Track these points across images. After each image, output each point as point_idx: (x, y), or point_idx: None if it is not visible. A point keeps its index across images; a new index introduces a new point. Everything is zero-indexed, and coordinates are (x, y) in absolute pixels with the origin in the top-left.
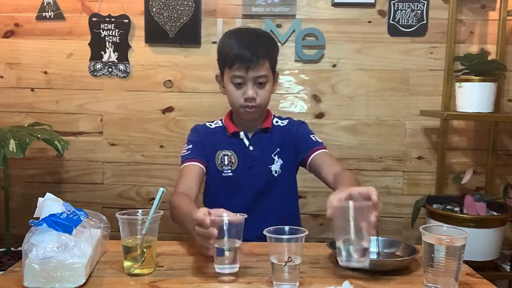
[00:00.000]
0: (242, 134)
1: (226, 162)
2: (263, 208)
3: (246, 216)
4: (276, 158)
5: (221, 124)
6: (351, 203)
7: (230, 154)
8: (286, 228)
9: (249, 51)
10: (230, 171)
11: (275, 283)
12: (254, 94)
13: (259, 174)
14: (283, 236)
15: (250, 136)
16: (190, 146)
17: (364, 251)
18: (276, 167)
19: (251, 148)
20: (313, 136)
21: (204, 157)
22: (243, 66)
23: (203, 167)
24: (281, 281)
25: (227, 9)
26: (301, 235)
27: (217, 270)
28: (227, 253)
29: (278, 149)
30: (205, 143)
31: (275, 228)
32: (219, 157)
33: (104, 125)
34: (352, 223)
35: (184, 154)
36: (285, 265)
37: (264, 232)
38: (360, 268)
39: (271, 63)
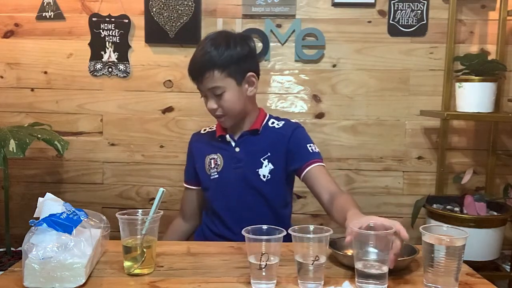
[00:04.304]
0: (228, 136)
1: (212, 165)
2: (251, 212)
3: (285, 232)
4: (265, 162)
5: (214, 129)
6: (372, 233)
7: (216, 157)
8: (311, 227)
9: (194, 65)
10: (216, 173)
11: (300, 282)
12: (213, 105)
13: (245, 176)
14: (309, 235)
15: (236, 138)
16: (186, 164)
17: (382, 276)
18: (264, 171)
19: (237, 149)
20: (310, 146)
21: (194, 177)
22: (194, 80)
23: (195, 188)
24: (307, 280)
25: (227, 9)
26: (326, 234)
27: (253, 286)
28: (263, 269)
29: (268, 154)
30: (193, 152)
31: (299, 227)
32: (207, 161)
33: (104, 125)
34: (371, 250)
35: (184, 171)
36: (312, 264)
37: (290, 231)
38: None
39: (226, 71)
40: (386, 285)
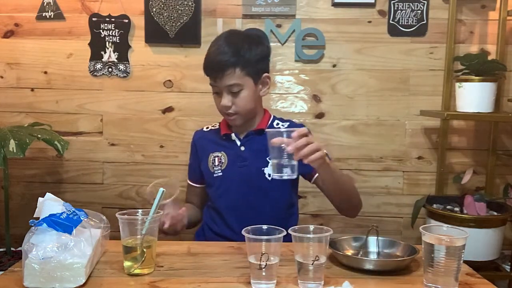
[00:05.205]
0: (233, 135)
1: (216, 163)
2: (254, 209)
3: (285, 232)
4: (270, 161)
5: (217, 127)
6: (282, 131)
7: (220, 155)
8: (311, 227)
9: (215, 62)
10: (220, 171)
11: (300, 282)
12: (228, 103)
13: (250, 174)
14: (309, 235)
15: (241, 137)
16: (189, 161)
17: (292, 167)
18: (270, 170)
19: (242, 148)
20: None
21: (199, 174)
22: (212, 76)
23: (198, 186)
24: (307, 280)
25: (227, 9)
26: (326, 234)
27: (253, 286)
28: (263, 269)
29: None
30: (198, 149)
31: (300, 227)
32: (211, 159)
33: (104, 125)
34: (279, 148)
35: (188, 168)
36: (312, 264)
37: (290, 231)
38: (359, 268)
39: (245, 69)
40: (295, 174)
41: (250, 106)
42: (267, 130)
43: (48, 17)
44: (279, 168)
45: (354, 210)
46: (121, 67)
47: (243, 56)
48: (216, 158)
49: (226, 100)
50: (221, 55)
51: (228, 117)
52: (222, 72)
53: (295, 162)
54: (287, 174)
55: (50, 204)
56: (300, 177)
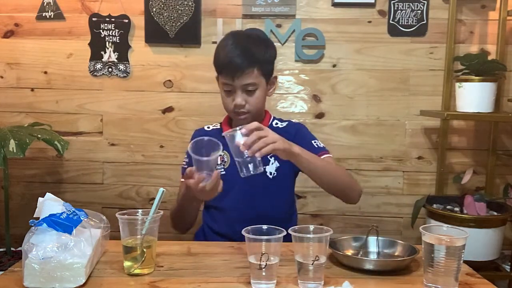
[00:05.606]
0: None
1: (219, 162)
2: (257, 208)
3: (285, 232)
4: (272, 159)
5: (218, 127)
6: (236, 130)
7: (223, 154)
8: (311, 227)
9: (235, 60)
10: (223, 169)
11: (300, 282)
12: (242, 102)
13: None
14: (309, 235)
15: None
16: (186, 160)
17: (255, 162)
18: (271, 168)
19: None
20: (315, 142)
21: None
22: (229, 74)
23: None
24: (307, 280)
25: (227, 9)
26: (326, 234)
27: (253, 286)
28: (263, 269)
29: None
30: None
31: (300, 227)
32: None
33: (104, 125)
34: (240, 146)
35: (182, 166)
36: (312, 264)
37: (290, 231)
38: (359, 268)
39: (262, 69)
40: (261, 168)
41: (261, 106)
42: (223, 133)
43: (48, 17)
44: (243, 166)
45: (349, 196)
46: (121, 67)
47: (260, 56)
48: (219, 157)
49: (240, 99)
50: (241, 56)
51: (239, 116)
52: (242, 71)
53: (256, 158)
54: (252, 170)
55: (50, 204)
56: (300, 177)
